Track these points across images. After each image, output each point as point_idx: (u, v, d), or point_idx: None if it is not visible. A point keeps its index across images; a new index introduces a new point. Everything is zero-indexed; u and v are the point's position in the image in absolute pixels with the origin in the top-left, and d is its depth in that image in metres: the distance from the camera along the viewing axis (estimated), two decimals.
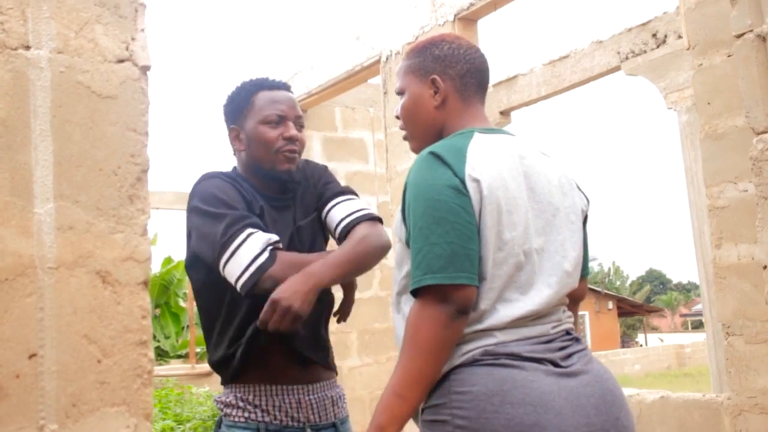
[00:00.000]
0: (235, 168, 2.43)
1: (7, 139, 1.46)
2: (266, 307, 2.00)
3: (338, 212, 2.37)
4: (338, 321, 2.44)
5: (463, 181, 1.75)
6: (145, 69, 1.61)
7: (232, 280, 2.03)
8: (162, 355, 14.07)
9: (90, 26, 1.57)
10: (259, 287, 2.03)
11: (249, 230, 2.07)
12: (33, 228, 1.48)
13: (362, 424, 7.64)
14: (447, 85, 1.99)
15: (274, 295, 2.01)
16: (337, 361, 7.78)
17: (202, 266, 2.19)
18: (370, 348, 7.82)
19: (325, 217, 2.40)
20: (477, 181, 1.76)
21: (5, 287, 1.44)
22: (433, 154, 1.80)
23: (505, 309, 1.77)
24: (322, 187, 2.45)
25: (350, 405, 7.95)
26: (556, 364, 1.77)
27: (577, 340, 1.91)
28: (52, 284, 1.48)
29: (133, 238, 1.57)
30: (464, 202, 1.74)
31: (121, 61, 1.59)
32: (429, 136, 2.01)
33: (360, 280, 8.01)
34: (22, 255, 1.46)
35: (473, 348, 1.74)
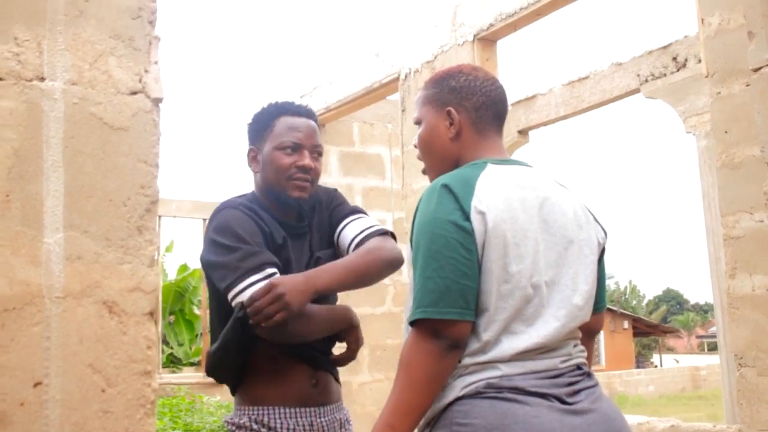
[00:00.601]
0: (253, 192, 2.45)
1: (19, 169, 1.48)
2: (262, 287, 2.06)
3: (351, 230, 2.39)
4: (333, 363, 2.40)
5: (467, 214, 1.75)
6: (157, 101, 1.62)
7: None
8: (175, 362, 14.11)
9: (104, 58, 1.58)
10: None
11: (261, 273, 2.13)
12: (42, 257, 1.50)
13: None
14: (462, 117, 1.99)
15: (274, 279, 2.07)
16: (348, 377, 7.78)
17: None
18: (382, 364, 7.80)
19: (338, 237, 2.42)
20: (482, 213, 1.76)
21: (13, 316, 1.46)
22: (442, 185, 1.81)
23: (510, 341, 1.76)
24: (334, 209, 2.47)
25: (359, 421, 7.97)
26: (562, 401, 1.74)
27: (588, 375, 1.88)
28: (59, 313, 1.50)
29: (141, 268, 1.58)
30: (464, 238, 1.73)
31: (134, 93, 1.61)
32: (444, 167, 2.01)
33: (373, 295, 8.01)
34: (31, 284, 1.47)
35: (477, 380, 1.74)
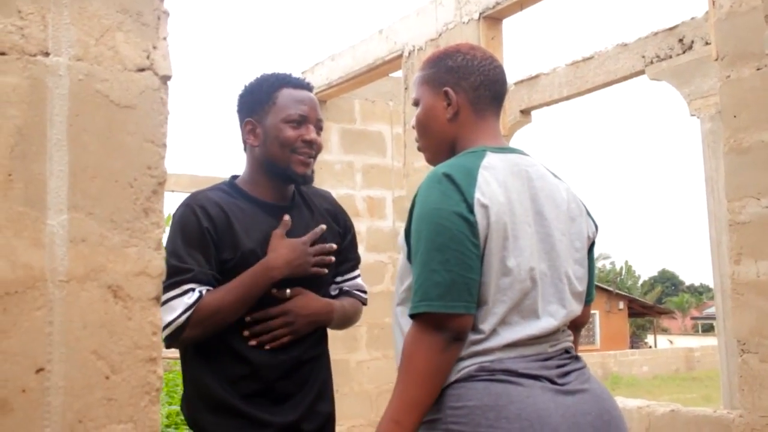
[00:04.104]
0: (231, 179, 2.38)
1: (22, 147, 1.42)
2: (278, 310, 2.19)
3: (354, 283, 2.54)
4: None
5: (471, 206, 1.72)
6: (165, 78, 1.56)
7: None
8: None
9: (111, 33, 1.52)
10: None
11: (183, 288, 2.14)
12: (45, 240, 1.44)
13: (368, 417, 7.64)
14: (460, 98, 1.96)
15: (291, 305, 2.20)
16: (346, 355, 7.76)
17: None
18: (379, 342, 7.79)
19: (343, 280, 2.53)
20: (485, 207, 1.74)
21: (15, 300, 1.41)
22: (444, 175, 1.77)
23: (506, 332, 1.76)
24: (348, 242, 2.51)
25: (357, 399, 7.96)
26: (553, 382, 1.76)
27: (576, 358, 1.91)
28: (62, 298, 1.45)
29: (147, 252, 1.52)
30: (470, 230, 1.72)
31: (142, 70, 1.55)
32: (441, 148, 1.99)
33: (371, 273, 7.96)
34: (33, 267, 1.42)
35: (469, 365, 1.74)
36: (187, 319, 2.08)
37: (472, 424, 1.67)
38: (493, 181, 1.78)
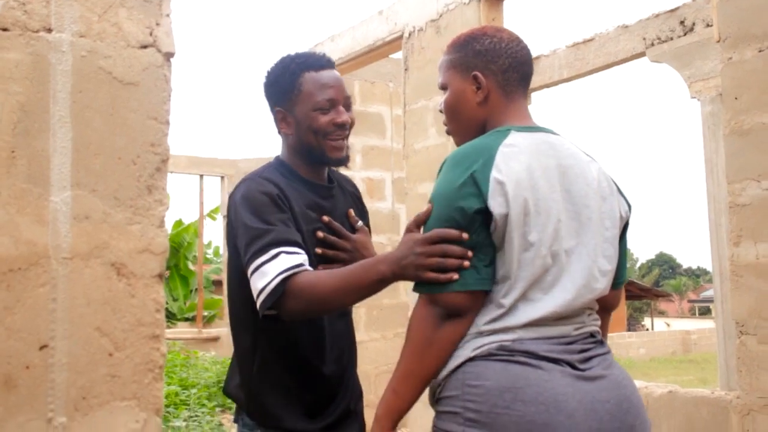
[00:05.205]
0: (277, 158, 2.36)
1: (25, 124, 1.42)
2: (346, 235, 2.25)
3: None
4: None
5: (484, 190, 1.74)
6: (168, 55, 1.56)
7: (254, 294, 1.99)
8: (169, 317, 14.16)
9: (114, 10, 1.51)
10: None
11: (276, 250, 2.01)
12: (48, 216, 1.44)
13: (367, 398, 7.66)
14: (489, 81, 1.96)
15: (356, 238, 2.26)
16: None
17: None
18: (378, 323, 7.81)
19: None
20: (501, 183, 1.75)
21: (18, 276, 1.41)
22: (458, 157, 1.80)
23: (526, 308, 1.76)
24: (366, 225, 2.48)
25: None
26: (573, 366, 1.75)
27: (601, 343, 1.89)
28: (65, 275, 1.45)
29: (150, 229, 1.53)
30: (469, 222, 1.74)
31: (145, 46, 1.54)
32: (471, 131, 1.99)
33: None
34: (37, 244, 1.42)
35: (489, 342, 1.74)
36: (283, 282, 1.97)
37: (488, 404, 1.68)
38: (514, 159, 1.78)
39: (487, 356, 1.73)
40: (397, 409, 1.78)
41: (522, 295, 1.76)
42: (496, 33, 1.99)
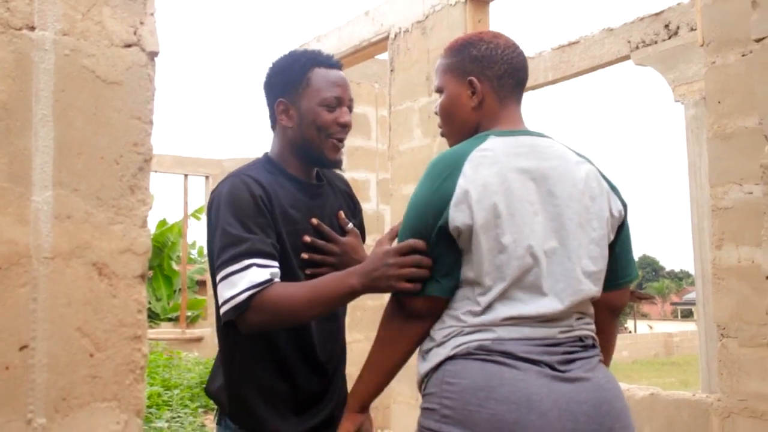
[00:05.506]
0: (266, 155, 2.32)
1: (7, 123, 1.41)
2: (334, 238, 2.23)
3: None
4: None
5: (448, 198, 1.78)
6: (152, 55, 1.55)
7: (219, 301, 1.97)
8: (152, 317, 14.09)
9: (98, 8, 1.50)
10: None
11: (248, 261, 1.98)
12: (30, 216, 1.43)
13: None
14: (484, 87, 1.99)
15: (346, 241, 2.25)
16: None
17: None
18: (362, 324, 7.80)
19: None
20: (466, 191, 1.79)
21: None
22: (431, 166, 1.85)
23: (504, 307, 1.78)
24: (359, 223, 2.47)
25: None
26: (552, 368, 1.76)
27: (589, 347, 1.88)
28: (46, 274, 1.44)
29: (132, 229, 1.52)
30: (437, 233, 1.79)
31: (129, 45, 1.53)
32: (465, 135, 2.03)
33: None
34: (18, 243, 1.41)
35: (469, 341, 1.77)
36: (250, 298, 1.95)
37: (462, 401, 1.72)
38: (483, 164, 1.81)
39: (466, 355, 1.77)
40: (359, 392, 1.93)
41: (501, 295, 1.78)
42: (492, 39, 2.01)
